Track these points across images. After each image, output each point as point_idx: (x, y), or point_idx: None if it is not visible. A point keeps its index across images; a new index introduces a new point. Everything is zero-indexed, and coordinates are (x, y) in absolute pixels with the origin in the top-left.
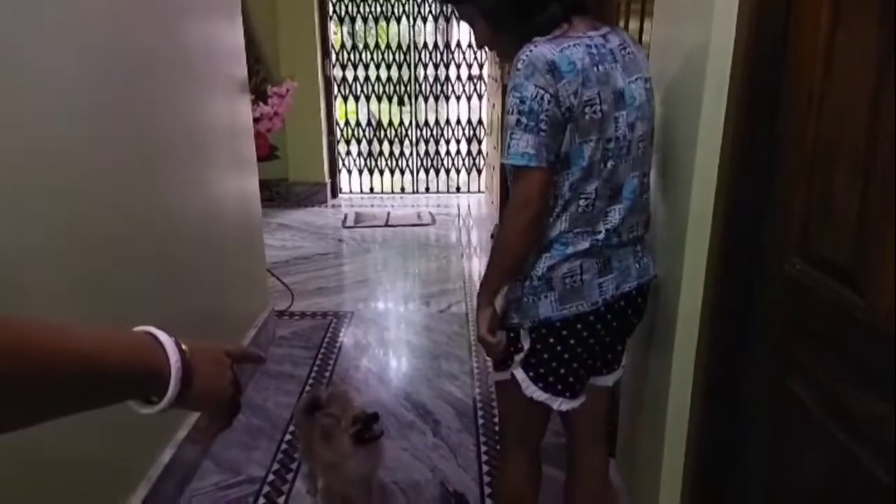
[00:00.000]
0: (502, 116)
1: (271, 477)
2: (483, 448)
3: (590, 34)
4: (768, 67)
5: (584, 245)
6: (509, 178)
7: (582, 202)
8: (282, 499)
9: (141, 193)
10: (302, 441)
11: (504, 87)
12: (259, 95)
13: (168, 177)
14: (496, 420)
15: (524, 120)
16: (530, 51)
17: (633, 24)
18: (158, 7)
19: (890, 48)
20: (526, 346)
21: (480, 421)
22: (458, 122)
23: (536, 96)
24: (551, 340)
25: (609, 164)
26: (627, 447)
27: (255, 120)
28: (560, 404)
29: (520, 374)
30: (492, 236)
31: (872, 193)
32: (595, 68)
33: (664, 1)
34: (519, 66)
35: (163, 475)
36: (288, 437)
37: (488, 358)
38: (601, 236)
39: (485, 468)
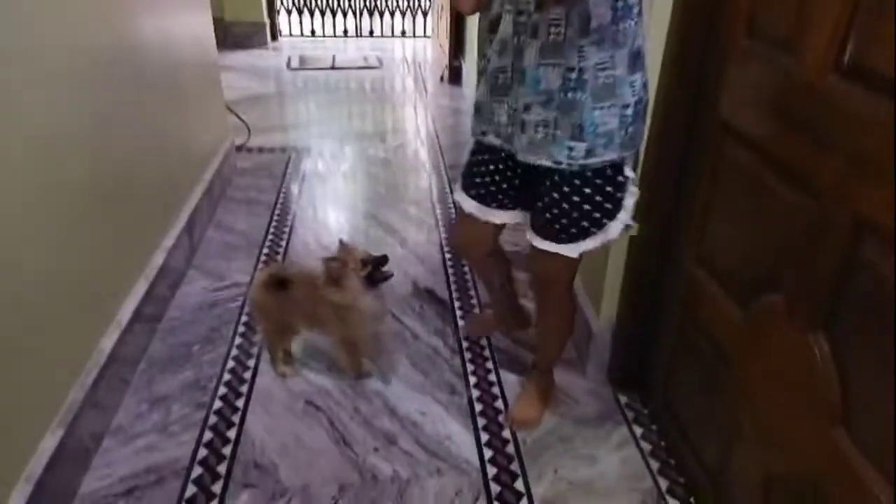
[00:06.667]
0: None
1: None
2: (447, 256)
3: None
4: None
5: None
6: None
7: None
8: None
9: (100, 36)
10: (265, 321)
11: None
12: None
13: (125, 16)
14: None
15: None
16: None
17: None
18: None
19: None
20: (631, 175)
21: (444, 235)
22: None
23: None
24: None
25: None
26: None
27: None
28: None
29: (625, 216)
30: (441, 79)
31: None
32: None
33: None
34: None
35: (157, 276)
36: (265, 251)
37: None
38: None
39: (450, 271)
